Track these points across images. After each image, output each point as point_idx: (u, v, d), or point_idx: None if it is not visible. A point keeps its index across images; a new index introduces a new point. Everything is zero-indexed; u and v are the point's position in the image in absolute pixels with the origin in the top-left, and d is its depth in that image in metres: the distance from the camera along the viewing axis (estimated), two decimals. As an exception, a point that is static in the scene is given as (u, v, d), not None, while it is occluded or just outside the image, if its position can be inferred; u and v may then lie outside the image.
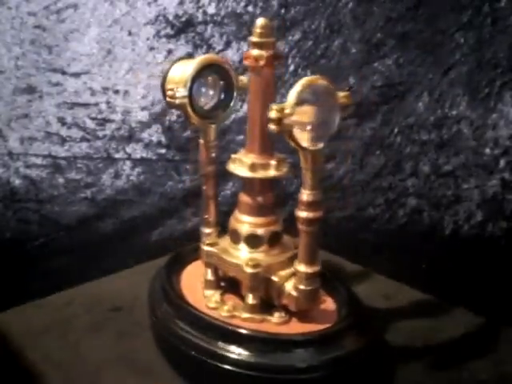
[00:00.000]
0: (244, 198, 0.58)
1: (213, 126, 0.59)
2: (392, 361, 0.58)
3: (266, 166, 0.55)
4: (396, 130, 1.07)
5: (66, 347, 0.61)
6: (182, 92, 0.55)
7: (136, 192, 1.07)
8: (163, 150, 1.08)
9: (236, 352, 0.51)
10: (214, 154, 0.59)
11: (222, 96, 0.58)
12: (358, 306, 0.58)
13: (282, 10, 1.05)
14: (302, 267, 0.52)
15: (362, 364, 0.53)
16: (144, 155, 1.08)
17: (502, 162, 1.04)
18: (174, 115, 1.08)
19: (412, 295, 0.71)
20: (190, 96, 0.55)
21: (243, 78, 0.58)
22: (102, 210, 1.06)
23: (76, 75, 1.08)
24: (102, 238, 1.03)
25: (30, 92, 1.08)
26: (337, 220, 1.06)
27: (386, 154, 1.07)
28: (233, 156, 0.58)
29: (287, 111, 0.46)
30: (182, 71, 0.56)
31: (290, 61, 1.06)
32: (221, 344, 0.52)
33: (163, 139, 1.08)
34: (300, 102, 0.47)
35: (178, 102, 0.55)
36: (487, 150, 1.05)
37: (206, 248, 0.60)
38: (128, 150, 1.08)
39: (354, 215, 1.06)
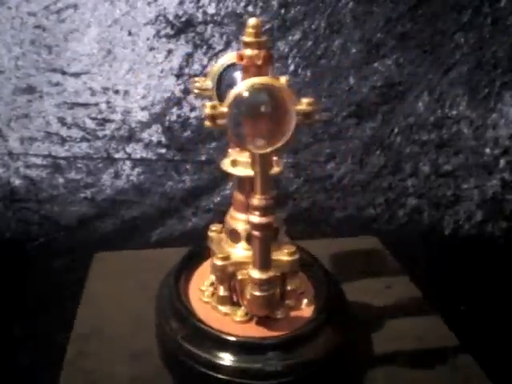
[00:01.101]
0: (234, 193, 0.58)
1: None
2: (363, 365, 0.58)
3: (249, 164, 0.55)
4: (396, 130, 1.07)
5: (111, 297, 0.70)
6: (208, 84, 0.56)
7: (136, 192, 1.07)
8: (163, 150, 1.08)
9: (203, 352, 0.51)
10: None
11: None
12: (334, 307, 0.57)
13: (282, 10, 1.05)
14: (254, 273, 0.51)
15: (329, 368, 0.53)
16: (144, 155, 1.08)
17: (502, 162, 1.04)
18: (173, 115, 1.08)
19: (408, 295, 0.71)
20: (219, 89, 0.56)
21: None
22: (102, 210, 1.06)
23: (76, 75, 1.08)
24: (102, 238, 1.04)
25: (30, 92, 1.08)
26: (337, 220, 1.06)
27: (386, 154, 1.07)
28: (228, 151, 0.58)
29: (222, 110, 0.46)
30: (217, 66, 0.57)
31: (290, 61, 1.06)
32: (192, 343, 0.52)
33: (163, 139, 1.08)
34: (243, 102, 0.46)
35: (206, 93, 0.56)
36: (487, 150, 1.05)
37: (209, 233, 0.62)
38: (128, 149, 1.08)
39: (354, 215, 1.06)
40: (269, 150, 0.47)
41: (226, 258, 0.55)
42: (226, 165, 0.57)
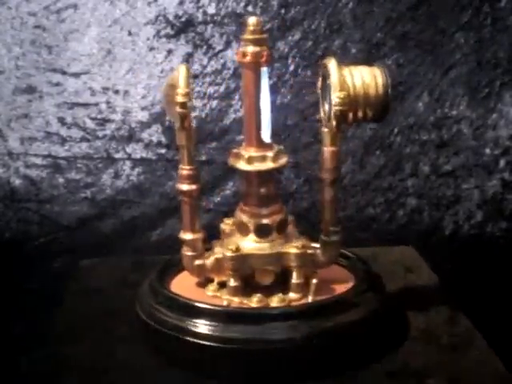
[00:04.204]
0: (242, 187, 0.62)
1: (326, 130, 0.60)
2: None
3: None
4: (396, 130, 1.07)
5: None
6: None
7: (136, 192, 1.07)
8: (163, 150, 1.08)
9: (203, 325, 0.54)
10: (329, 161, 0.62)
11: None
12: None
13: (282, 10, 1.05)
14: (185, 235, 0.59)
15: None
16: (144, 155, 1.08)
17: (502, 162, 1.04)
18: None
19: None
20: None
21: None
22: (102, 210, 1.06)
23: (76, 75, 1.08)
24: (102, 237, 1.04)
25: (30, 92, 1.08)
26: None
27: (386, 154, 1.07)
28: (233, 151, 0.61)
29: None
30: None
31: (289, 61, 1.06)
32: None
33: (163, 139, 1.08)
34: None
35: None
36: (487, 150, 1.05)
37: (221, 225, 0.65)
38: (128, 150, 1.08)
39: (353, 215, 1.06)
40: (178, 126, 0.56)
41: (237, 249, 0.58)
42: (233, 161, 0.59)
